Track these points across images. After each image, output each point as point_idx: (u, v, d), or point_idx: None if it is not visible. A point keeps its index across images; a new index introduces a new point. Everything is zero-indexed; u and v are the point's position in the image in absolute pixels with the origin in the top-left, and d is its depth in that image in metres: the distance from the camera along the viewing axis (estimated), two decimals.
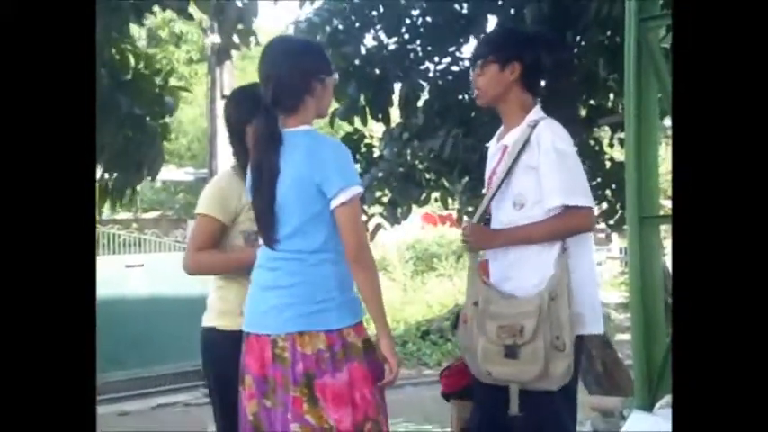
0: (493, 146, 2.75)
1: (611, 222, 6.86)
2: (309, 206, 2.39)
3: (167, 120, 5.89)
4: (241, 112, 2.84)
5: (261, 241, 2.53)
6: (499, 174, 2.57)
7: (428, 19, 6.58)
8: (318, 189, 2.38)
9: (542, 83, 2.76)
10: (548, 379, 2.42)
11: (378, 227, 6.87)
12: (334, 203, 2.37)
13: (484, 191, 2.75)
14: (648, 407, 3.64)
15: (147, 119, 5.59)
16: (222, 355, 2.74)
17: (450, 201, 7.31)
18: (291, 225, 2.42)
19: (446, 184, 6.97)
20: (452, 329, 3.04)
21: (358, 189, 2.42)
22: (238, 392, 2.56)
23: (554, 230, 2.48)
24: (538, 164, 2.50)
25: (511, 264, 2.56)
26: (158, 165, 5.79)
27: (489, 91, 2.65)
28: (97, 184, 5.86)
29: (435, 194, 7.21)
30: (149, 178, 6.01)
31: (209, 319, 2.84)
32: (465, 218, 7.36)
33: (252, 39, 5.42)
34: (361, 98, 6.46)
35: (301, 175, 2.39)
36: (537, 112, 2.62)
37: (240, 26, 5.41)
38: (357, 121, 6.71)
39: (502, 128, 2.73)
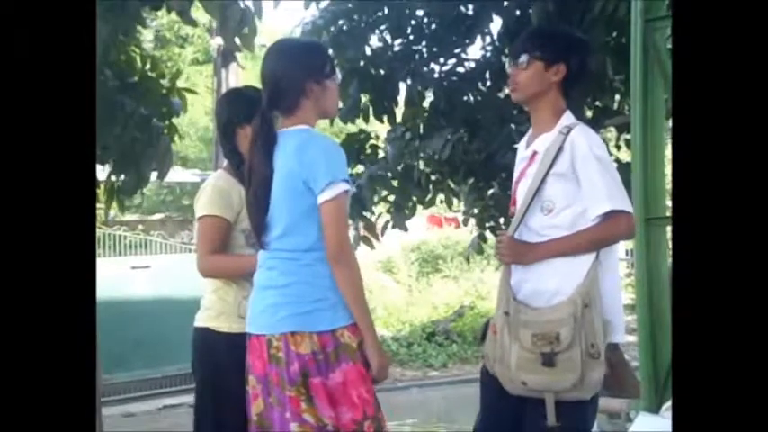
0: (522, 151, 2.69)
1: None
2: (298, 203, 2.39)
3: (174, 121, 5.88)
4: (231, 113, 2.87)
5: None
6: (531, 181, 2.51)
7: (433, 20, 6.58)
8: (306, 186, 2.37)
9: (578, 89, 2.70)
10: (582, 388, 2.36)
11: (386, 224, 6.87)
12: (320, 199, 2.36)
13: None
14: (655, 408, 3.64)
15: (154, 120, 5.59)
16: (214, 356, 2.74)
17: (455, 202, 7.31)
18: (283, 224, 2.42)
19: (451, 185, 6.97)
20: (480, 341, 2.95)
21: (344, 186, 2.39)
22: (226, 394, 2.58)
23: (597, 239, 2.43)
24: (569, 171, 2.44)
25: (534, 267, 2.50)
26: (168, 164, 5.78)
27: (529, 88, 2.57)
28: (105, 186, 5.87)
29: (440, 196, 7.21)
30: (158, 178, 6.00)
31: (203, 319, 2.82)
32: (469, 221, 7.36)
33: (254, 42, 5.42)
34: (365, 98, 6.46)
35: (290, 172, 2.40)
36: (568, 118, 2.55)
37: (246, 30, 5.41)
38: (362, 121, 6.71)
39: (530, 132, 2.67)
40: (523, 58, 2.57)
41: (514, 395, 2.48)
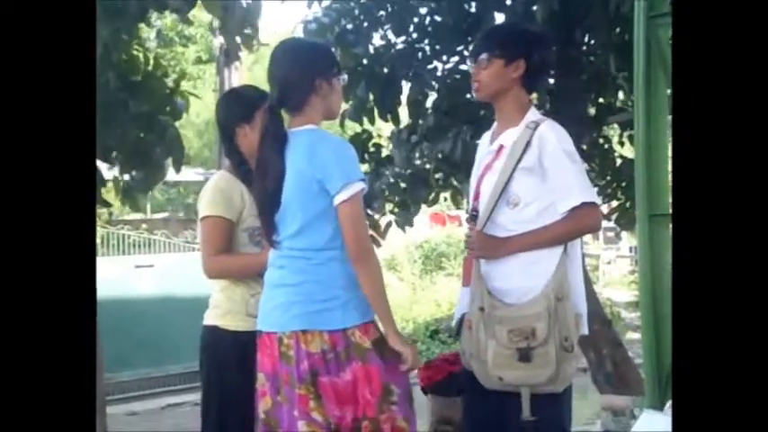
0: (485, 145, 2.71)
1: (621, 221, 6.84)
2: (312, 204, 2.40)
3: (177, 123, 5.88)
4: (231, 113, 2.89)
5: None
6: (499, 175, 2.53)
7: (436, 18, 6.57)
8: (321, 186, 2.38)
9: (540, 83, 2.74)
10: (557, 381, 2.41)
11: (389, 224, 6.87)
12: (337, 200, 2.37)
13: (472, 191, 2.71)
14: (659, 406, 3.62)
15: (159, 116, 5.60)
16: (220, 354, 2.76)
17: (459, 200, 7.30)
18: (296, 223, 2.42)
19: (455, 183, 6.96)
20: (456, 336, 3.01)
21: (361, 185, 2.40)
22: (231, 392, 2.61)
23: (567, 232, 2.47)
24: (536, 165, 2.47)
25: (505, 261, 2.52)
26: (180, 156, 5.77)
27: (491, 85, 2.61)
28: (117, 186, 5.88)
29: (444, 194, 7.20)
30: (176, 171, 5.99)
31: (211, 318, 2.84)
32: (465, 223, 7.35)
33: (255, 40, 5.42)
34: (371, 98, 6.45)
35: (302, 173, 2.40)
36: (534, 113, 2.60)
37: (248, 30, 5.40)
38: (365, 120, 6.70)
39: (495, 127, 2.70)
40: (483, 57, 2.61)
41: (490, 390, 2.50)
